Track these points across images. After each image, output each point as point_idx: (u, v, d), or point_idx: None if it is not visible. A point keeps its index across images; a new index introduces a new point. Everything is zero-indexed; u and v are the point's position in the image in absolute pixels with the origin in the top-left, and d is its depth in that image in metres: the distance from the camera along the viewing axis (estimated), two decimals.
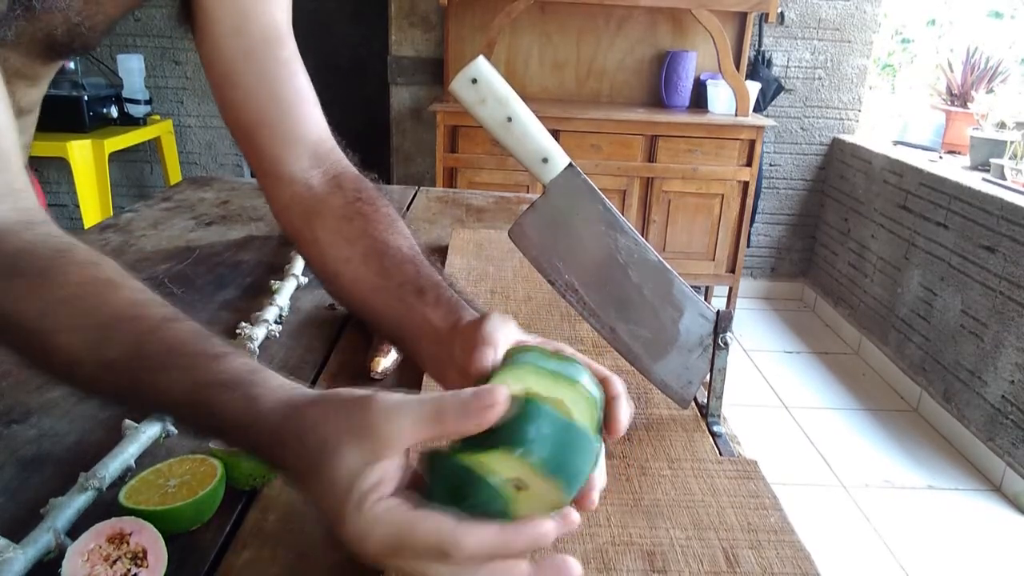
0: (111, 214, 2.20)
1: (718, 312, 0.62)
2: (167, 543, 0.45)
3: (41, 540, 0.45)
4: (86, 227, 1.65)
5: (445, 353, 0.51)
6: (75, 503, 0.48)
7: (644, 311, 0.62)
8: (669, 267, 0.62)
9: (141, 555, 0.44)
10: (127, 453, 0.54)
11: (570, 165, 0.60)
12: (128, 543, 0.44)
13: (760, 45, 3.15)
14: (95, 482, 0.50)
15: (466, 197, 1.41)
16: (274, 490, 0.54)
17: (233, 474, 0.52)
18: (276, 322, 0.79)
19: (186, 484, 0.49)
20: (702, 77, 3.11)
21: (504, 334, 0.47)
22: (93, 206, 2.70)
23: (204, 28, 0.63)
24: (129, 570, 0.43)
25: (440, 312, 0.54)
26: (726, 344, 0.62)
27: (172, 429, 0.59)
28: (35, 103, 0.76)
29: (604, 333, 0.63)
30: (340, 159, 0.67)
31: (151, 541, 0.45)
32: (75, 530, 0.46)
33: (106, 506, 0.49)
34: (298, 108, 0.65)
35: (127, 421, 0.57)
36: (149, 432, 0.56)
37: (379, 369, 0.69)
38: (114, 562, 0.43)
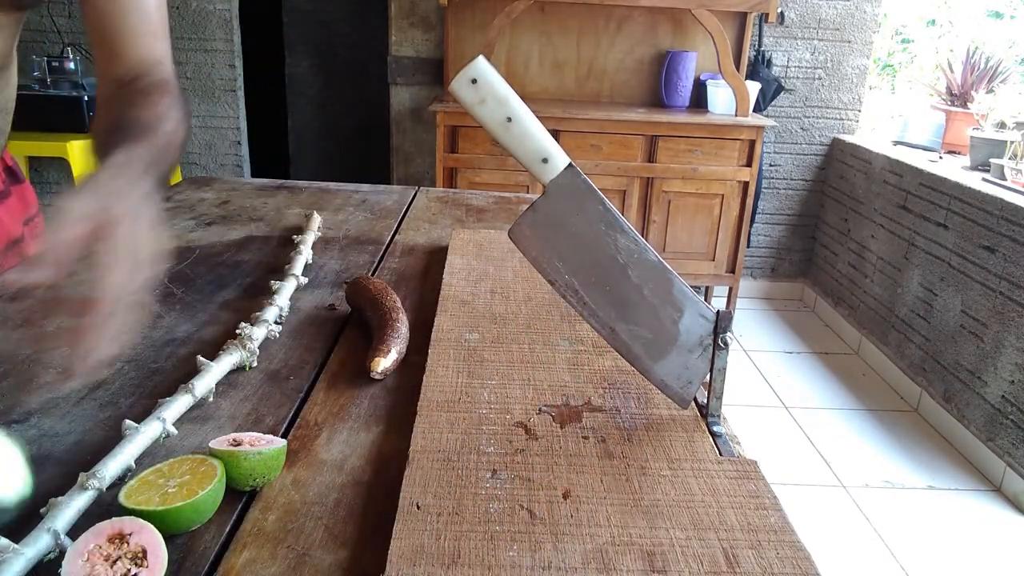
0: None
1: (718, 312, 0.62)
2: (167, 543, 0.45)
3: (41, 540, 0.45)
4: None
5: None
6: (75, 503, 0.48)
7: (644, 311, 0.62)
8: (669, 267, 0.62)
9: (141, 555, 0.44)
10: (127, 453, 0.54)
11: (570, 165, 0.60)
12: (128, 543, 0.44)
13: (760, 45, 3.15)
14: (95, 482, 0.50)
15: (466, 197, 1.41)
16: (274, 490, 0.54)
17: (233, 474, 0.52)
18: (276, 322, 0.79)
19: (186, 484, 0.49)
20: (702, 77, 3.11)
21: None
22: None
23: None
24: (129, 570, 0.43)
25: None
26: (726, 344, 0.62)
27: (172, 429, 0.59)
28: (3, 55, 0.82)
29: (604, 333, 0.63)
30: (164, 78, 0.79)
31: (151, 541, 0.45)
32: (75, 530, 0.46)
33: (106, 506, 0.49)
34: (136, 37, 0.80)
35: (127, 421, 0.57)
36: (148, 432, 0.56)
37: (379, 369, 0.69)
38: (114, 562, 0.43)
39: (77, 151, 2.63)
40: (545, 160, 0.59)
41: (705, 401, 0.65)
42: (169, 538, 0.46)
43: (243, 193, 1.36)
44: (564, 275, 0.62)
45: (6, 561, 0.43)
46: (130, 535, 0.45)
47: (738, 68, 3.07)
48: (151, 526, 0.45)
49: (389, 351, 0.71)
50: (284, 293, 0.84)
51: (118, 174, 0.59)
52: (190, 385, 0.62)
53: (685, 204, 2.97)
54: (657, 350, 0.63)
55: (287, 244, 1.07)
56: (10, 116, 0.91)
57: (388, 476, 0.56)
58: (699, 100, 3.11)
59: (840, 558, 1.86)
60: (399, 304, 0.78)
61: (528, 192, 2.77)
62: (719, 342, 0.62)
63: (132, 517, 0.46)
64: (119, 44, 0.79)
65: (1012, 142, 2.45)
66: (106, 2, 0.78)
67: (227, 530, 0.50)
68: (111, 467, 0.52)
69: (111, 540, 0.44)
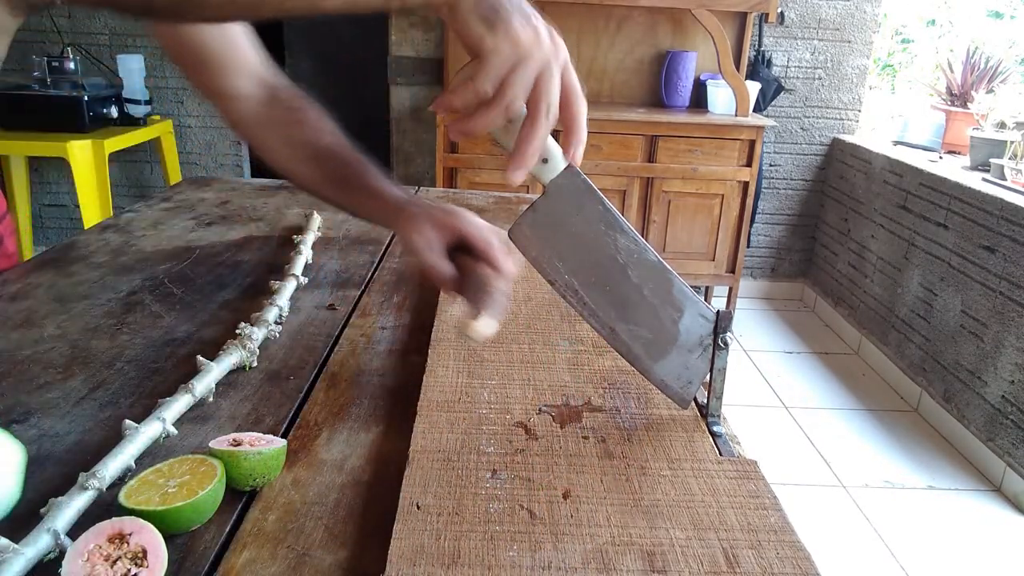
0: (111, 214, 2.20)
1: (718, 312, 0.62)
2: (167, 543, 0.45)
3: (41, 540, 0.45)
4: (86, 227, 1.65)
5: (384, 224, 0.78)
6: (75, 503, 0.48)
7: (644, 311, 0.62)
8: (669, 267, 0.62)
9: (141, 555, 0.44)
10: (127, 453, 0.54)
11: (569, 165, 0.59)
12: (128, 543, 0.44)
13: (760, 45, 3.15)
14: (95, 482, 0.50)
15: (466, 197, 1.41)
16: (274, 490, 0.54)
17: (233, 474, 0.52)
18: (276, 322, 0.79)
19: (186, 484, 0.49)
20: (702, 77, 3.11)
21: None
22: (93, 206, 2.70)
23: None
24: (129, 570, 0.43)
25: (360, 198, 0.78)
26: (726, 344, 0.62)
27: (172, 429, 0.59)
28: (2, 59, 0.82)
29: (604, 333, 0.63)
30: (274, 74, 0.82)
31: (151, 541, 0.45)
32: (75, 530, 0.46)
33: (106, 506, 0.49)
34: (239, 38, 0.79)
35: (127, 421, 0.57)
36: (148, 432, 0.56)
37: (482, 331, 0.58)
38: (114, 562, 0.43)
39: (77, 151, 2.63)
40: (545, 160, 0.59)
41: (705, 401, 0.65)
42: (169, 538, 0.46)
43: (243, 193, 1.36)
44: (564, 275, 0.62)
45: (6, 561, 0.43)
46: (130, 535, 0.45)
47: (738, 68, 3.07)
48: (151, 526, 0.45)
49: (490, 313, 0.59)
50: (284, 293, 0.84)
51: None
52: (190, 385, 0.62)
53: (685, 204, 2.97)
54: (657, 350, 0.63)
55: (287, 244, 1.07)
56: None
57: (388, 476, 0.56)
58: (699, 100, 3.10)
59: (840, 558, 1.86)
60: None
61: (528, 192, 2.77)
62: (719, 342, 0.62)
63: (132, 517, 0.46)
64: (228, 57, 0.79)
65: (1012, 142, 2.45)
66: (208, 32, 0.77)
67: (227, 530, 0.50)
68: (111, 467, 0.52)
69: (111, 540, 0.44)
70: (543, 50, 0.49)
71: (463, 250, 0.70)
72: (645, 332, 0.63)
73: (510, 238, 0.62)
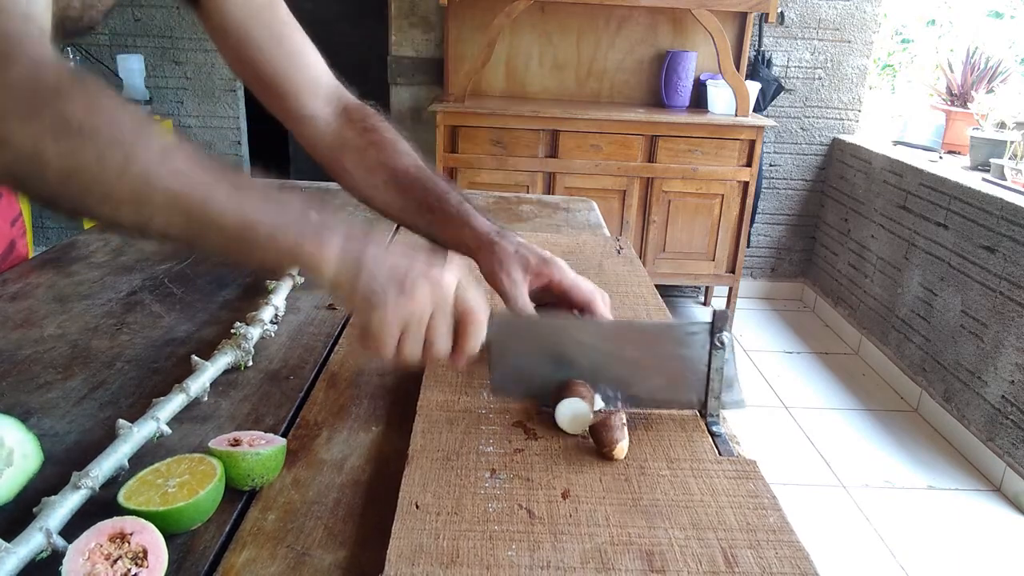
0: None
1: (714, 312, 0.62)
2: (167, 542, 0.45)
3: (33, 539, 0.45)
4: (86, 227, 1.65)
5: (466, 252, 0.72)
6: (68, 502, 0.48)
7: (643, 364, 0.64)
8: (632, 319, 0.64)
9: (142, 555, 0.44)
10: (120, 452, 0.54)
11: (490, 314, 0.59)
12: (129, 543, 0.44)
13: (760, 45, 3.15)
14: (88, 481, 0.50)
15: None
16: (274, 490, 0.54)
17: (232, 474, 0.52)
18: (272, 322, 0.79)
19: (186, 484, 0.49)
20: (702, 77, 3.11)
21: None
22: None
23: (211, 3, 0.73)
24: (129, 570, 0.43)
25: (442, 226, 0.74)
26: (722, 344, 0.62)
27: (166, 429, 0.59)
28: None
29: (626, 405, 0.64)
30: (344, 92, 0.80)
31: (152, 541, 0.45)
32: (72, 529, 0.46)
33: (104, 505, 0.49)
34: (306, 57, 0.78)
35: (121, 421, 0.57)
36: (143, 432, 0.56)
37: (624, 455, 0.58)
38: (115, 561, 0.43)
39: None
40: None
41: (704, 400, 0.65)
42: (169, 537, 0.46)
43: None
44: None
45: None
46: (131, 535, 0.45)
47: (738, 68, 3.06)
48: (152, 526, 0.45)
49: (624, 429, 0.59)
50: (280, 293, 0.84)
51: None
52: (184, 384, 0.62)
53: (685, 204, 2.96)
54: (677, 386, 0.64)
55: None
56: None
57: (388, 476, 0.56)
58: (699, 100, 3.10)
59: (840, 558, 1.86)
60: None
61: (528, 192, 2.77)
62: (716, 342, 0.62)
63: (134, 517, 0.46)
64: (302, 74, 0.77)
65: (1012, 142, 2.45)
66: (274, 51, 0.75)
67: (227, 530, 0.50)
68: (104, 466, 0.52)
69: (112, 539, 0.44)
70: (420, 308, 0.54)
71: (550, 302, 0.70)
72: (657, 379, 0.64)
73: (495, 395, 0.64)
